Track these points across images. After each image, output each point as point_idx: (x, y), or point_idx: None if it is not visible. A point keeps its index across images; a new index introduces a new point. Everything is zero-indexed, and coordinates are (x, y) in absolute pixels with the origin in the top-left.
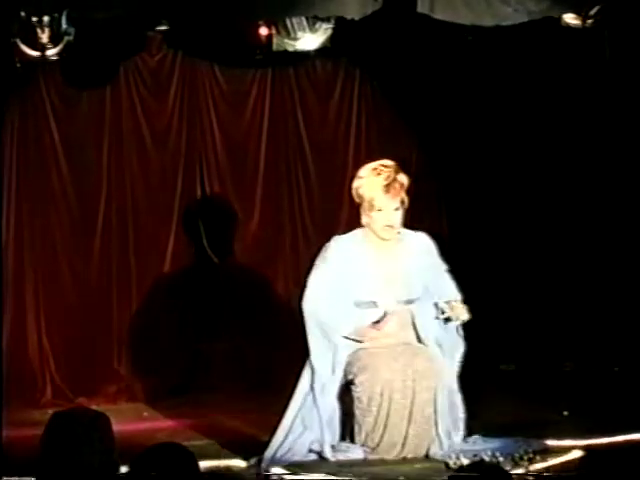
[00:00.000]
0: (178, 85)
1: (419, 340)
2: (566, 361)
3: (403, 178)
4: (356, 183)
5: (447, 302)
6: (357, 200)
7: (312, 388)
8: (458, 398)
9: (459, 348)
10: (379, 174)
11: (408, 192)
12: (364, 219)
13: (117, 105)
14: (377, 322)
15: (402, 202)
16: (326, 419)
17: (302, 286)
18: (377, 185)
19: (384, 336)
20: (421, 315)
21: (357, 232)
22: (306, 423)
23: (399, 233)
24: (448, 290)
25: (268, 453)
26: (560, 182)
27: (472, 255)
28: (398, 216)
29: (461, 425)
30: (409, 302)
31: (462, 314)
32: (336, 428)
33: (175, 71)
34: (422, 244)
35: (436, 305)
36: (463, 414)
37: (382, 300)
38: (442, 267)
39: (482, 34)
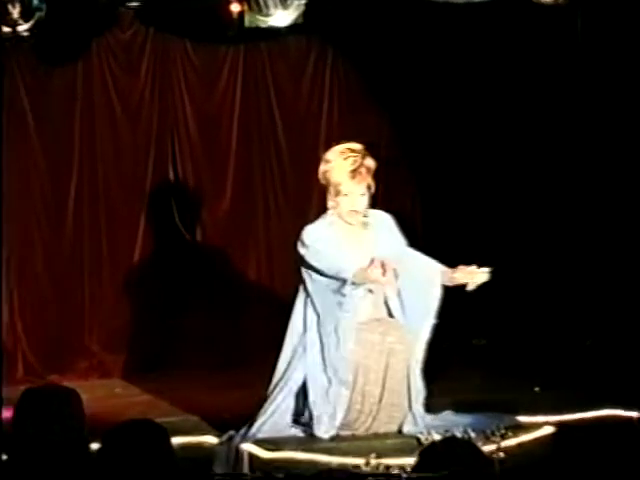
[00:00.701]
0: (150, 61)
1: (391, 316)
2: (538, 336)
3: (370, 163)
4: (323, 167)
5: (456, 270)
6: (323, 183)
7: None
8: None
9: (427, 323)
10: (346, 159)
11: (376, 175)
12: (330, 203)
13: (89, 81)
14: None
15: (368, 187)
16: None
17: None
18: (344, 170)
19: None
20: (392, 290)
21: (324, 220)
22: (286, 400)
23: (365, 216)
24: (419, 260)
25: (245, 429)
26: (533, 159)
27: (444, 232)
28: (364, 201)
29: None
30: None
31: (478, 277)
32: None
33: (147, 47)
34: (385, 222)
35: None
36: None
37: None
38: (404, 241)
39: (454, 12)
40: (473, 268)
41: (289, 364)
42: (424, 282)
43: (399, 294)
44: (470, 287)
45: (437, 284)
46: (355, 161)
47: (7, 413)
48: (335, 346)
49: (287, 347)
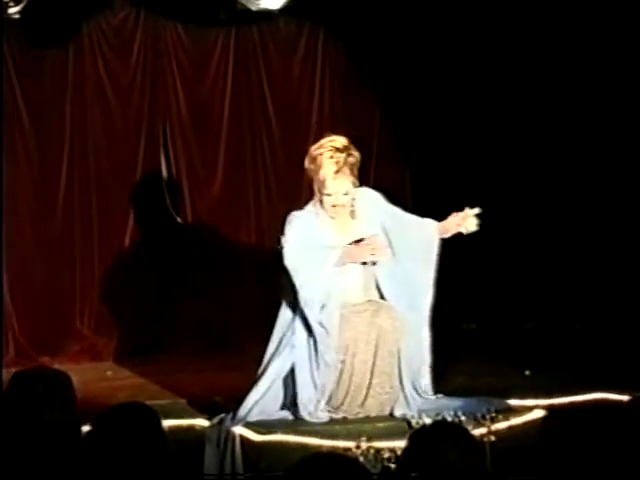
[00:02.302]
0: (141, 44)
1: (382, 298)
2: (527, 320)
3: (353, 159)
4: (307, 163)
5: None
6: (308, 179)
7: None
8: (426, 348)
9: (424, 299)
10: (331, 157)
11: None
12: (316, 194)
13: (80, 64)
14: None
15: (352, 183)
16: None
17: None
18: (327, 170)
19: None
20: (383, 274)
21: (311, 207)
22: (275, 383)
23: (352, 211)
24: (410, 222)
25: (236, 412)
26: (526, 147)
27: (435, 214)
28: (347, 198)
29: (425, 373)
30: (373, 263)
31: (470, 225)
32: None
33: (138, 30)
34: (371, 200)
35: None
36: (428, 362)
37: (349, 266)
38: (393, 209)
39: None
40: (465, 212)
41: (277, 348)
42: (422, 242)
43: (397, 266)
44: (465, 231)
45: (435, 241)
46: (338, 162)
47: None
48: (321, 330)
49: (277, 331)
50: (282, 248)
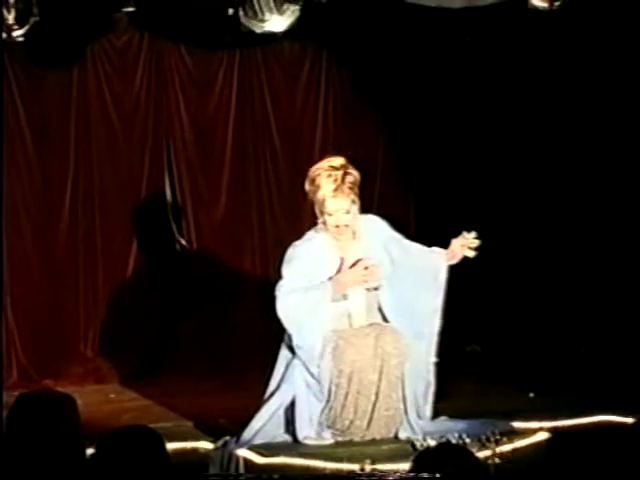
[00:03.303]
0: (145, 66)
1: (385, 321)
2: (533, 342)
3: (352, 178)
4: (307, 185)
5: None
6: (309, 202)
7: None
8: (432, 373)
9: (431, 327)
10: (328, 177)
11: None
12: (319, 218)
13: (84, 86)
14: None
15: (353, 202)
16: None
17: (273, 286)
18: (326, 190)
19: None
20: (387, 298)
21: (312, 234)
22: (278, 411)
23: (354, 232)
24: (417, 250)
25: (240, 435)
26: (530, 168)
27: (438, 240)
28: (349, 217)
29: (430, 397)
30: (375, 289)
31: (471, 244)
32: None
33: (142, 52)
34: (374, 227)
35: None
36: (433, 387)
37: (351, 291)
38: (399, 237)
39: (450, 17)
40: (463, 236)
41: (283, 375)
42: (429, 270)
43: (402, 293)
44: (471, 254)
45: (443, 268)
46: (335, 180)
47: None
48: (313, 360)
49: (278, 364)
50: (276, 297)
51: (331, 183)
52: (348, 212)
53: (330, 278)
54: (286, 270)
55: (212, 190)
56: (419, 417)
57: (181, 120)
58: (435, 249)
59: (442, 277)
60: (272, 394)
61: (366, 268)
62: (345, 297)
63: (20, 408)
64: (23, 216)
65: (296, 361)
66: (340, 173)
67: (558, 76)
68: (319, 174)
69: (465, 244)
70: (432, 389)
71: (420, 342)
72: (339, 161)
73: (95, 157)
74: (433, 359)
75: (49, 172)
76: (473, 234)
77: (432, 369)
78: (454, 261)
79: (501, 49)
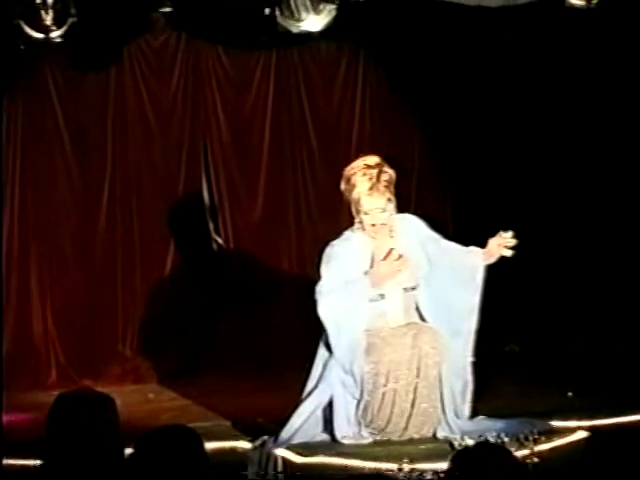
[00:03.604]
0: (182, 67)
1: (423, 320)
2: (571, 342)
3: (387, 176)
4: (342, 185)
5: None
6: (345, 202)
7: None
8: (469, 372)
9: (468, 324)
10: (364, 175)
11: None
12: (356, 219)
13: (121, 87)
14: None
15: (389, 200)
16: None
17: (311, 287)
18: (361, 188)
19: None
20: (424, 297)
21: (349, 234)
22: (317, 410)
23: (391, 230)
24: (454, 250)
25: (279, 435)
26: (565, 166)
27: (475, 239)
28: (386, 215)
29: (468, 396)
30: (413, 289)
31: (508, 242)
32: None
33: (179, 53)
34: (411, 226)
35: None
36: (471, 386)
37: (389, 291)
38: (436, 236)
39: (487, 16)
40: (500, 235)
41: (321, 375)
42: (467, 269)
43: (439, 292)
44: (508, 253)
45: (480, 267)
46: (371, 178)
47: (7, 417)
48: (353, 362)
49: (319, 357)
50: (316, 298)
51: (366, 182)
52: (384, 210)
53: (366, 273)
54: (325, 270)
55: (249, 190)
56: (457, 416)
57: (218, 120)
58: (472, 248)
59: (479, 276)
60: (310, 393)
61: (399, 257)
62: (382, 297)
63: (60, 408)
64: (62, 218)
65: (333, 361)
66: (375, 171)
67: (597, 75)
68: (354, 173)
69: (502, 243)
70: (470, 388)
71: (457, 340)
72: (374, 160)
73: (132, 158)
74: (470, 358)
75: (87, 173)
76: (510, 233)
77: (469, 368)
78: (491, 260)
79: (538, 48)
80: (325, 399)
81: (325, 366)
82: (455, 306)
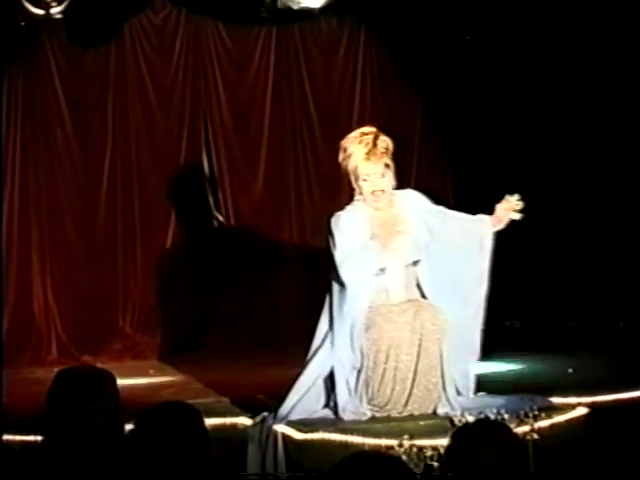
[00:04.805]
0: (182, 43)
1: (424, 297)
2: (572, 317)
3: (384, 142)
4: (340, 156)
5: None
6: (344, 174)
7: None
8: (477, 342)
9: (479, 291)
10: (360, 142)
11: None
12: (356, 191)
13: (121, 63)
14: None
15: (387, 166)
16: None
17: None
18: (358, 154)
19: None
20: (426, 274)
21: (353, 206)
22: (317, 382)
23: (391, 200)
24: (461, 219)
25: (278, 411)
26: (566, 139)
27: (476, 212)
28: (385, 182)
29: (471, 373)
30: (414, 263)
31: (516, 206)
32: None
33: (179, 29)
34: (412, 200)
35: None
36: (477, 356)
37: (390, 265)
38: (439, 208)
39: None
40: (507, 199)
41: (320, 348)
42: (475, 237)
43: (447, 263)
44: (516, 217)
45: (489, 234)
46: (367, 143)
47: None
48: (354, 334)
49: (320, 331)
50: (337, 267)
51: (363, 147)
52: (383, 176)
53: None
54: (339, 239)
55: (249, 166)
56: (458, 393)
57: (218, 96)
58: (480, 216)
59: (488, 243)
60: (307, 366)
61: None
62: (383, 271)
63: (60, 384)
64: (62, 194)
65: (335, 329)
66: (371, 137)
67: (600, 49)
68: (350, 141)
69: (509, 207)
70: (475, 359)
71: (468, 309)
72: (369, 129)
73: (133, 134)
74: (480, 326)
75: (87, 149)
76: (516, 196)
77: (479, 338)
78: (500, 226)
79: (538, 24)
80: (325, 370)
81: (325, 338)
82: (464, 275)
